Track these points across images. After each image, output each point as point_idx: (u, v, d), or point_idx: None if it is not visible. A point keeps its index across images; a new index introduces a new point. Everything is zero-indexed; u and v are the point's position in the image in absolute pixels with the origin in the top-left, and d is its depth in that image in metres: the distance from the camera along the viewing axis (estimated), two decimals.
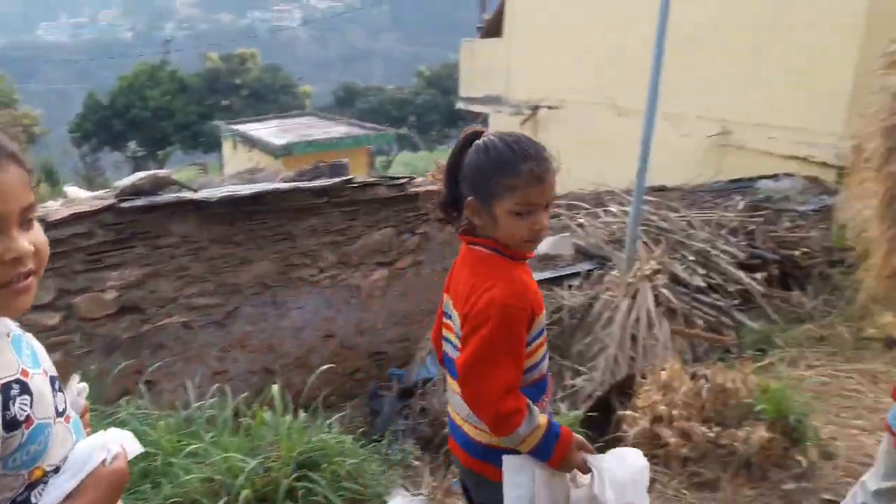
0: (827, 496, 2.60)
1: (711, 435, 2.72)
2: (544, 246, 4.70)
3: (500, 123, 11.58)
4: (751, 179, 6.43)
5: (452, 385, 1.64)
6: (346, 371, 4.82)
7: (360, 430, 3.42)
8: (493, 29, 12.99)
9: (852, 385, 3.51)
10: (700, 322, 4.25)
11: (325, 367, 3.35)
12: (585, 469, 1.54)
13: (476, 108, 13.17)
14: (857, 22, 6.04)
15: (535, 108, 10.89)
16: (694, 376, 3.00)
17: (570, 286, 4.48)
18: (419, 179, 5.15)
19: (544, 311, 1.58)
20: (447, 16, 79.01)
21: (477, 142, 1.53)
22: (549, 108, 10.63)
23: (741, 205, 5.62)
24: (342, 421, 3.17)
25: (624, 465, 1.56)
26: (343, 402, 4.41)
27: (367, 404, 4.63)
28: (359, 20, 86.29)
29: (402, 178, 5.03)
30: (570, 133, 9.50)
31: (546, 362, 1.62)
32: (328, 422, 2.88)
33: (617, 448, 1.65)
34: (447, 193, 1.57)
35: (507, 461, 1.54)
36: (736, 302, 4.41)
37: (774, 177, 6.32)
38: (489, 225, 1.51)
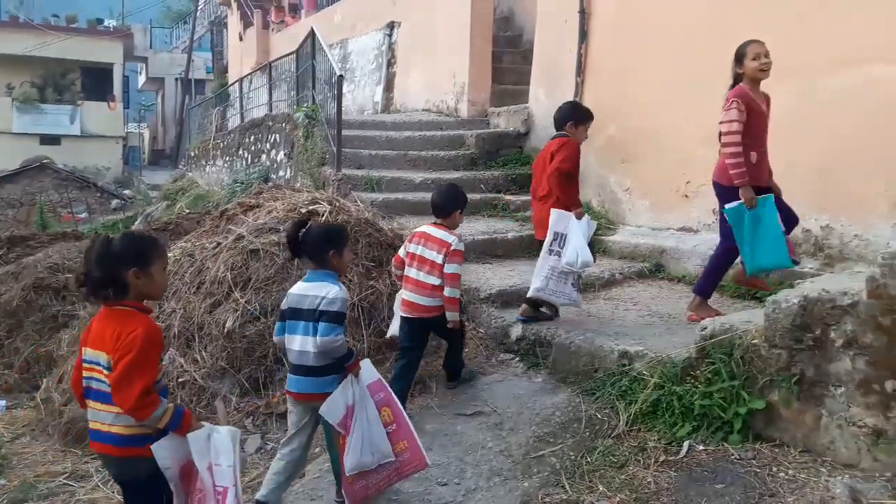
0: None
1: None
2: None
3: None
4: None
5: (96, 406, 2.43)
6: None
7: None
8: None
9: None
10: None
11: None
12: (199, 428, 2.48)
13: None
14: None
15: None
16: None
17: None
18: None
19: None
20: None
21: (115, 236, 2.52)
22: None
23: None
24: None
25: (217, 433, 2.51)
26: None
27: None
28: None
29: None
30: None
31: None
32: None
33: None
34: (101, 277, 2.39)
35: (155, 446, 2.39)
36: None
37: None
38: (147, 284, 2.45)
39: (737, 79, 4.20)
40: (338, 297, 3.00)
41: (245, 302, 4.31)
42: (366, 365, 3.16)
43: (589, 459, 3.47)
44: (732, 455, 3.29)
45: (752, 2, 5.45)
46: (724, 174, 4.18)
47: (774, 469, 3.13)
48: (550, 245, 4.42)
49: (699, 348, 3.64)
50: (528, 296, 4.56)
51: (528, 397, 4.05)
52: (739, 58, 4.17)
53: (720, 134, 4.14)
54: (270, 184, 9.23)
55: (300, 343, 3.05)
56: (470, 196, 6.88)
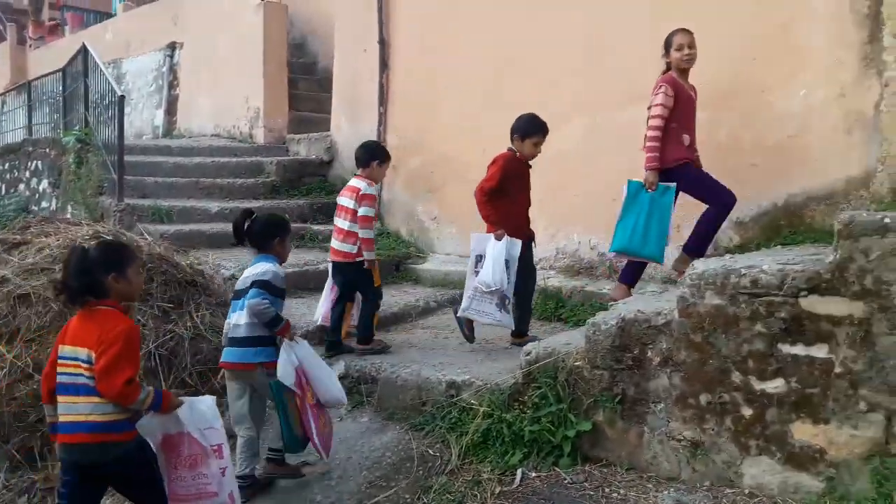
0: None
1: None
2: None
3: None
4: None
5: (72, 400, 2.57)
6: None
7: None
8: None
9: None
10: None
11: None
12: (179, 405, 2.72)
13: None
14: None
15: None
16: None
17: None
18: None
19: None
20: None
21: (90, 246, 2.78)
22: None
23: None
24: None
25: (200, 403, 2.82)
26: None
27: None
28: None
29: None
30: None
31: None
32: None
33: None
34: (81, 285, 2.59)
35: (140, 423, 2.63)
36: None
37: None
38: (125, 286, 2.67)
39: (668, 67, 4.29)
40: (269, 270, 3.34)
41: (13, 357, 3.61)
42: (303, 342, 3.43)
43: (425, 500, 3.31)
44: (565, 479, 3.31)
45: (547, 40, 5.74)
46: (663, 156, 4.16)
47: (606, 490, 3.19)
48: (475, 266, 4.42)
49: (525, 373, 3.65)
50: (457, 315, 4.54)
51: (355, 440, 3.80)
52: (667, 47, 4.26)
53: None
54: (34, 217, 8.09)
55: (235, 318, 3.35)
56: None
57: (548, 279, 5.45)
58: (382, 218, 7.08)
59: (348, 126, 7.60)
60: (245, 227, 3.43)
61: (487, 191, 4.42)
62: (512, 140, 4.54)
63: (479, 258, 4.43)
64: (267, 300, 3.23)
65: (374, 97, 7.06)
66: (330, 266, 4.62)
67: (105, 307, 2.62)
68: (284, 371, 3.23)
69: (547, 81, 5.71)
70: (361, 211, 4.37)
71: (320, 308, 4.67)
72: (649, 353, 3.34)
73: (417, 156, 6.75)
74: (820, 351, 2.94)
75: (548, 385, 3.55)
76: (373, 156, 4.58)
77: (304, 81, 10.03)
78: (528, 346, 3.77)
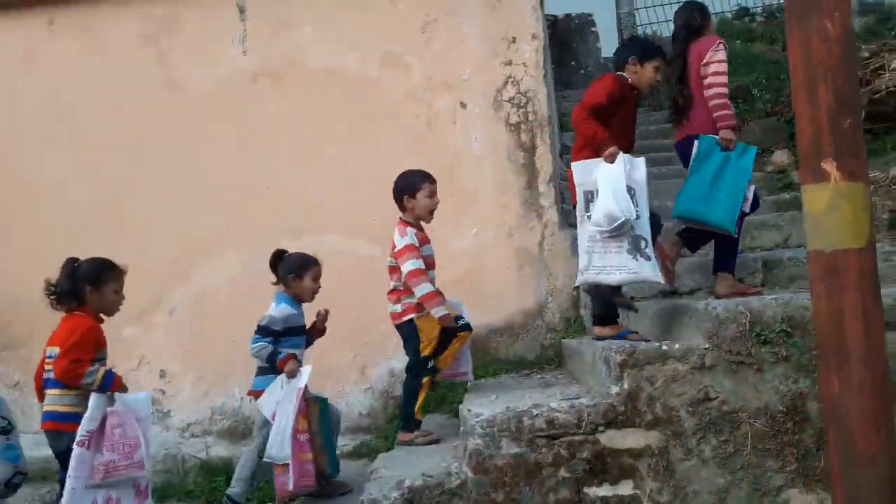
0: None
1: None
2: None
3: None
4: None
5: (47, 392, 3.17)
6: None
7: None
8: None
9: None
10: None
11: None
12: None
13: None
14: None
15: None
16: None
17: None
18: None
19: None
20: None
21: (82, 260, 3.23)
22: None
23: None
24: None
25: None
26: None
27: None
28: None
29: None
30: None
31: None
32: None
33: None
34: (65, 290, 3.15)
35: (92, 398, 2.96)
36: None
37: None
38: (99, 299, 3.18)
39: (700, 30, 3.80)
40: (268, 315, 3.58)
41: None
42: (305, 370, 3.53)
43: None
44: None
45: (181, 159, 4.92)
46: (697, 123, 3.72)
47: None
48: (586, 210, 3.27)
49: None
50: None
51: None
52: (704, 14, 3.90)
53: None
54: None
55: None
56: None
57: (209, 448, 4.38)
58: None
59: None
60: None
61: (591, 106, 3.32)
62: (622, 68, 3.53)
63: (590, 197, 3.27)
64: (258, 343, 3.50)
65: None
66: None
67: (79, 313, 3.16)
68: (265, 400, 3.49)
69: (181, 205, 4.83)
70: (406, 266, 3.46)
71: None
72: None
73: None
74: (626, 488, 2.85)
75: None
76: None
77: None
78: None
